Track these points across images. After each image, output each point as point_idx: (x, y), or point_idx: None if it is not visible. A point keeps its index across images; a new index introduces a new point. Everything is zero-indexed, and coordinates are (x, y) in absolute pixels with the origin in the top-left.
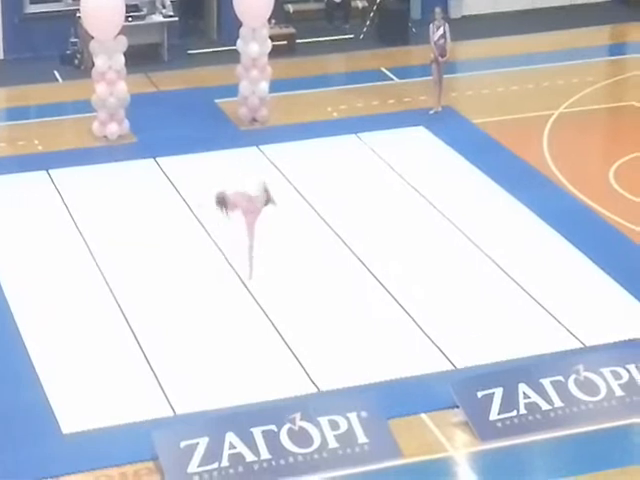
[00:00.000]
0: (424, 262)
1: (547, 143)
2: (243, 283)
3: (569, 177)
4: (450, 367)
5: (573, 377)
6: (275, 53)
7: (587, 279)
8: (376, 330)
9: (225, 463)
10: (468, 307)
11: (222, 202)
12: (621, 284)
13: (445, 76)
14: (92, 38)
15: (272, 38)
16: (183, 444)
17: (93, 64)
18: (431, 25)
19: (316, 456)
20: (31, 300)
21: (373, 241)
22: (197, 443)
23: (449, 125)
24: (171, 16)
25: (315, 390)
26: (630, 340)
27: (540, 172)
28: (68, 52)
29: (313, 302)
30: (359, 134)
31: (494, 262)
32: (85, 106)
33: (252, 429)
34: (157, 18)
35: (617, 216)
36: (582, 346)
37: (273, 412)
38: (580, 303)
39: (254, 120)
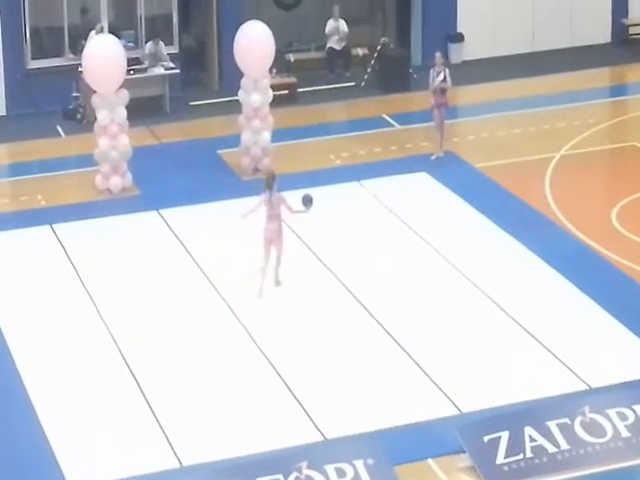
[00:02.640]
0: (428, 307)
1: (549, 185)
2: (247, 332)
3: (572, 219)
4: (456, 412)
5: (579, 419)
6: (277, 102)
7: (591, 320)
8: (381, 376)
9: None
10: (473, 351)
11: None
12: (626, 325)
13: (447, 121)
14: (94, 92)
15: (273, 88)
16: None
17: (95, 118)
18: (431, 70)
19: None
20: (35, 353)
21: (377, 288)
22: None
23: (451, 170)
24: (172, 68)
25: (321, 438)
26: (636, 380)
27: (543, 214)
28: (70, 107)
29: (317, 349)
30: (362, 181)
31: (498, 305)
32: (88, 160)
33: (258, 479)
34: (158, 71)
35: (620, 257)
36: (587, 388)
37: (279, 461)
38: (584, 344)
39: (257, 170)
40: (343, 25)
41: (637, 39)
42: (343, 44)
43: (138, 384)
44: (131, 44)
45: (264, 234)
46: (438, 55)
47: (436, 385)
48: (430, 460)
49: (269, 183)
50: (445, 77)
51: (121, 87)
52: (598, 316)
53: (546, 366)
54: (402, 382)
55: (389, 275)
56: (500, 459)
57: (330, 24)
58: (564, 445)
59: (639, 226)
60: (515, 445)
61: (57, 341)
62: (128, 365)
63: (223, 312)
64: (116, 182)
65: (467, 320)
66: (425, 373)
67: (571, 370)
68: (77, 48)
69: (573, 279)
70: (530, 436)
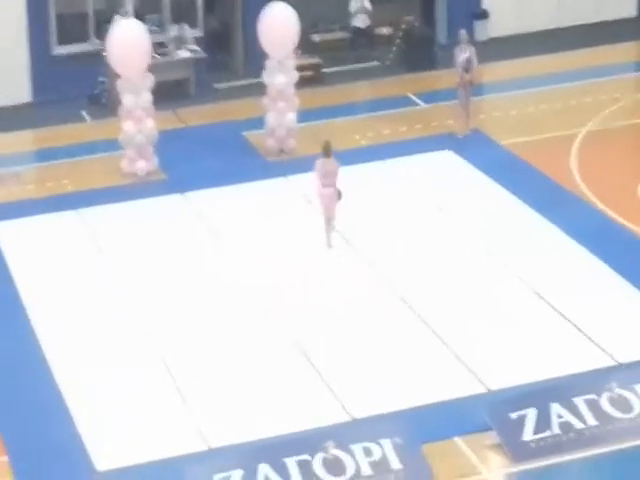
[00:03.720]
0: (455, 285)
1: (576, 161)
2: (272, 313)
3: (598, 194)
4: (482, 389)
5: (606, 395)
6: (301, 83)
7: (618, 296)
8: (407, 355)
9: None
10: (499, 328)
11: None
12: None
13: (472, 98)
14: (119, 76)
15: (298, 68)
16: (217, 478)
17: (120, 102)
18: (457, 48)
19: None
20: (63, 338)
21: (404, 266)
22: (230, 476)
23: (477, 148)
24: (197, 51)
25: (348, 418)
26: None
27: (569, 191)
28: (96, 91)
29: (343, 329)
30: (387, 160)
31: (524, 282)
32: (114, 144)
33: (285, 459)
34: (183, 54)
35: None
36: (615, 363)
37: (306, 441)
38: (612, 320)
39: (282, 151)
40: (367, 2)
41: None
42: (368, 22)
43: (167, 367)
44: (156, 28)
45: (320, 200)
46: (463, 33)
47: (462, 363)
48: (457, 438)
49: (327, 151)
50: (470, 55)
51: (146, 71)
52: (626, 291)
53: (573, 342)
54: (428, 361)
55: (417, 255)
56: (527, 436)
57: (354, 2)
58: (591, 421)
59: None
60: (542, 422)
61: (84, 325)
62: (155, 348)
63: (250, 293)
64: (142, 166)
65: (493, 297)
66: (451, 351)
67: (598, 345)
68: (102, 33)
69: (600, 254)
70: (557, 413)
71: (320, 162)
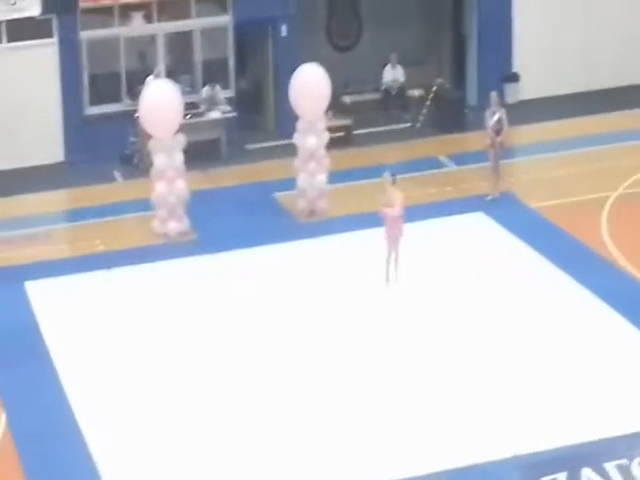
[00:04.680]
0: (488, 349)
1: (606, 225)
2: (306, 373)
3: (630, 258)
4: (513, 453)
5: (638, 460)
6: (333, 144)
7: None
8: (438, 416)
9: None
10: (530, 391)
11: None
12: None
13: (502, 161)
14: (151, 137)
15: (329, 130)
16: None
17: (152, 163)
18: (487, 111)
19: None
20: (93, 398)
21: (439, 327)
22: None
23: (508, 210)
24: (229, 112)
25: None
26: None
27: (600, 254)
28: (127, 152)
29: (381, 383)
30: (418, 222)
31: (555, 344)
32: (145, 205)
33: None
34: (215, 115)
35: None
36: None
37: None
38: None
39: (313, 212)
40: (400, 73)
41: None
42: (399, 86)
43: (202, 426)
44: (188, 89)
45: (387, 232)
46: (493, 95)
47: (493, 426)
48: None
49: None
50: (500, 117)
51: (178, 131)
52: None
53: (604, 406)
54: (460, 423)
55: (448, 316)
56: None
57: (387, 71)
58: None
59: None
60: None
61: (115, 385)
62: (185, 410)
63: (280, 354)
64: (173, 226)
65: (524, 360)
66: (482, 413)
67: (629, 410)
68: (134, 93)
69: (631, 318)
70: (588, 477)
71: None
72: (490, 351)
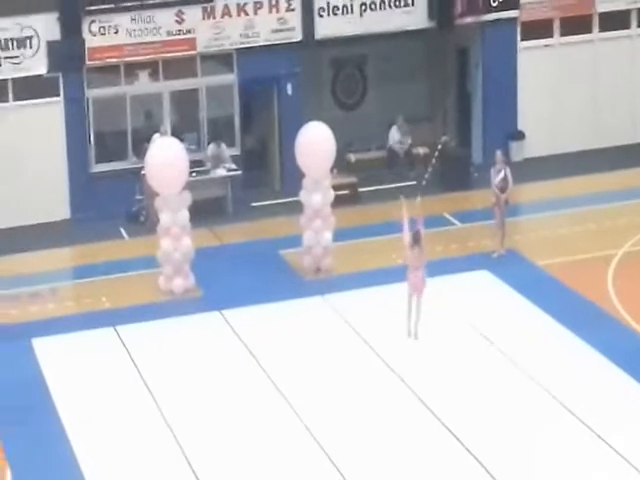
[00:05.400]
0: (490, 405)
1: (612, 283)
2: (312, 435)
3: (636, 316)
4: None
5: None
6: (338, 202)
7: None
8: (437, 472)
9: None
10: (538, 454)
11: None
12: None
13: (508, 219)
14: (157, 195)
15: (335, 188)
16: None
17: (158, 220)
18: (492, 169)
19: None
20: (100, 456)
21: (438, 384)
22: None
23: (513, 268)
24: (234, 170)
25: None
26: None
27: (606, 312)
28: (133, 209)
29: (377, 444)
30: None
31: (560, 403)
32: (151, 262)
33: None
34: (220, 172)
35: None
36: None
37: None
38: None
39: (318, 270)
40: (407, 135)
41: None
42: (405, 149)
43: None
44: (193, 147)
45: (409, 282)
46: (498, 154)
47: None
48: None
49: (416, 239)
50: (506, 175)
51: (184, 189)
52: None
53: (611, 468)
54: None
55: (452, 374)
56: None
57: (393, 132)
58: None
59: None
60: None
61: (119, 440)
62: (192, 467)
63: (286, 413)
64: (179, 283)
65: (528, 418)
66: (482, 468)
67: (635, 468)
68: (140, 151)
69: (636, 376)
70: None
71: (411, 250)
72: (492, 409)
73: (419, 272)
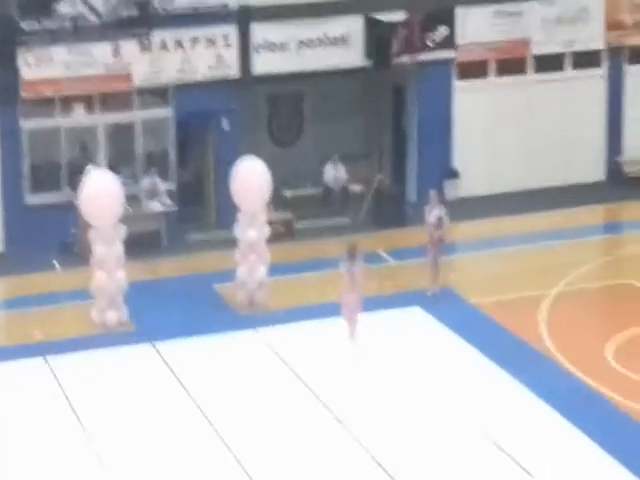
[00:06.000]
0: (421, 444)
1: (544, 321)
2: (242, 467)
3: (567, 355)
4: None
5: None
6: (273, 238)
7: (590, 461)
8: None
9: None
10: None
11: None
12: (622, 463)
13: (443, 257)
14: (91, 227)
15: (269, 223)
16: None
17: (92, 252)
18: (427, 207)
19: None
20: None
21: (372, 421)
22: None
23: (446, 305)
24: (169, 204)
25: None
26: None
27: (538, 351)
28: (67, 240)
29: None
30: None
31: (492, 441)
32: (84, 294)
33: None
34: (155, 206)
35: (616, 393)
36: None
37: None
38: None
39: (252, 304)
40: (341, 173)
41: (632, 178)
42: (340, 185)
43: None
44: (128, 180)
45: (344, 303)
46: (432, 193)
47: None
48: None
49: (351, 254)
50: (440, 213)
51: (118, 222)
52: (596, 456)
53: None
54: None
55: (379, 411)
56: None
57: (328, 170)
58: None
59: (633, 363)
60: None
61: (45, 473)
62: None
63: (217, 446)
64: (112, 316)
65: (460, 456)
66: None
67: None
68: (75, 183)
69: (566, 414)
70: None
71: (345, 266)
72: (423, 447)
73: (355, 293)
